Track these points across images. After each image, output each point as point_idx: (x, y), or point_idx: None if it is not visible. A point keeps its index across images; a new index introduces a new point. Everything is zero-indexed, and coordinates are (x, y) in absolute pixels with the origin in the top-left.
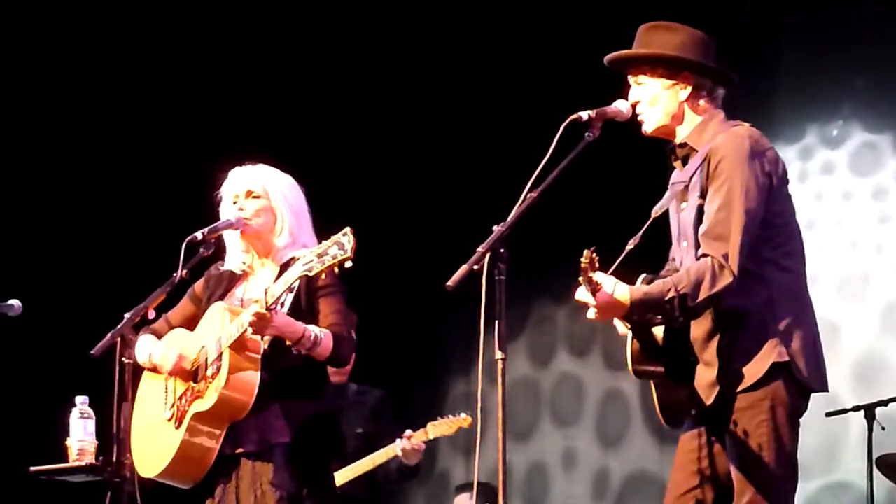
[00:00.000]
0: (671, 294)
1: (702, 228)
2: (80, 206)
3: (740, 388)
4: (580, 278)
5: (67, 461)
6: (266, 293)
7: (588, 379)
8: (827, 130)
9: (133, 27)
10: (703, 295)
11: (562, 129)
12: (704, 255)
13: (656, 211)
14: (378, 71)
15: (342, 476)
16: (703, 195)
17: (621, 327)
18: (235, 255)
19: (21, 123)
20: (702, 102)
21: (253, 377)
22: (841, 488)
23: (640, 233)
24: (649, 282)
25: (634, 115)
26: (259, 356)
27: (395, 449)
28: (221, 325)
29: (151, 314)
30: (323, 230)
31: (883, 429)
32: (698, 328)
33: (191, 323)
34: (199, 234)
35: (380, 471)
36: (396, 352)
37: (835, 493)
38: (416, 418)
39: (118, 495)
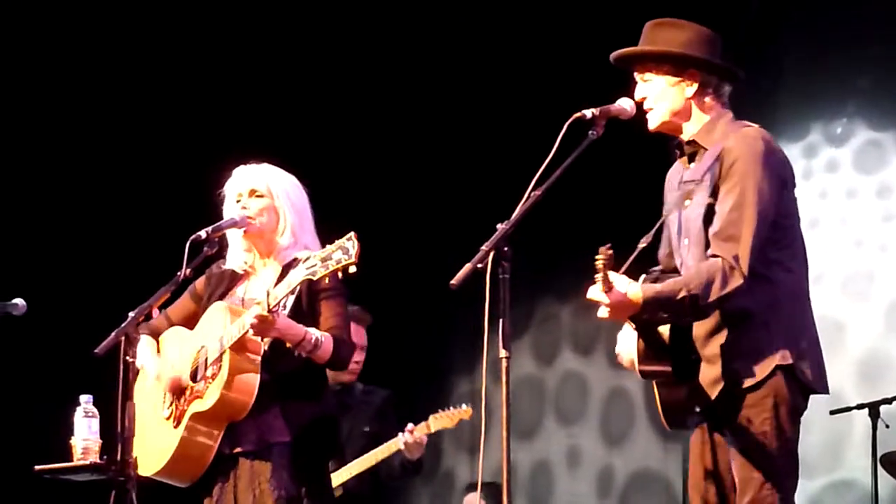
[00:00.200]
0: (682, 294)
1: (713, 228)
2: (84, 205)
3: (744, 386)
4: (596, 276)
5: (72, 460)
6: (268, 295)
7: (592, 377)
8: (831, 128)
9: (139, 28)
10: (713, 296)
11: (565, 127)
12: (714, 256)
13: (669, 211)
14: (381, 68)
15: (346, 472)
16: (713, 195)
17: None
18: (237, 255)
19: (24, 123)
20: (708, 100)
21: (253, 378)
22: (845, 486)
23: (652, 232)
24: (654, 280)
25: (638, 113)
26: (259, 357)
27: (397, 443)
28: (222, 325)
29: (156, 313)
30: (326, 230)
31: (887, 427)
32: (701, 326)
33: (190, 320)
34: (202, 233)
35: (383, 467)
36: (401, 350)
37: (839, 490)
38: (420, 417)
39: (122, 494)
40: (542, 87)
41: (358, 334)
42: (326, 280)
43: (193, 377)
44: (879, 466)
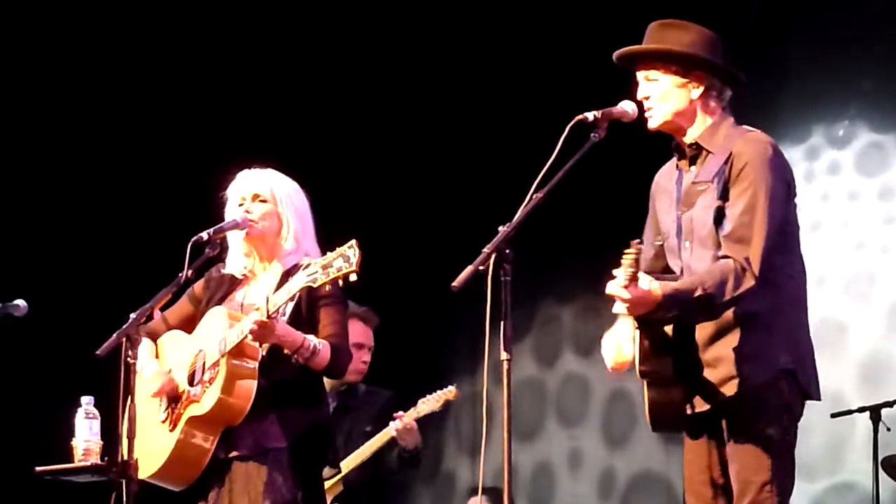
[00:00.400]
0: (699, 292)
1: (724, 230)
2: (86, 206)
3: (747, 389)
4: (625, 270)
5: (73, 461)
6: (268, 302)
7: (594, 379)
8: (833, 131)
9: (143, 33)
10: (727, 296)
11: (567, 129)
12: (725, 257)
13: (662, 213)
14: (382, 69)
15: (344, 466)
16: (721, 197)
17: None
18: (237, 259)
19: (26, 124)
20: (712, 103)
21: (250, 384)
22: (846, 489)
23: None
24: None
25: (640, 116)
26: (257, 363)
27: (389, 432)
28: (221, 330)
29: (157, 314)
30: (330, 231)
31: (889, 430)
32: (704, 328)
33: (188, 323)
34: (204, 235)
35: (382, 462)
36: (402, 352)
37: (840, 493)
38: (421, 422)
39: (123, 496)
40: (544, 90)
41: (365, 335)
42: (326, 287)
43: (191, 381)
44: (880, 469)
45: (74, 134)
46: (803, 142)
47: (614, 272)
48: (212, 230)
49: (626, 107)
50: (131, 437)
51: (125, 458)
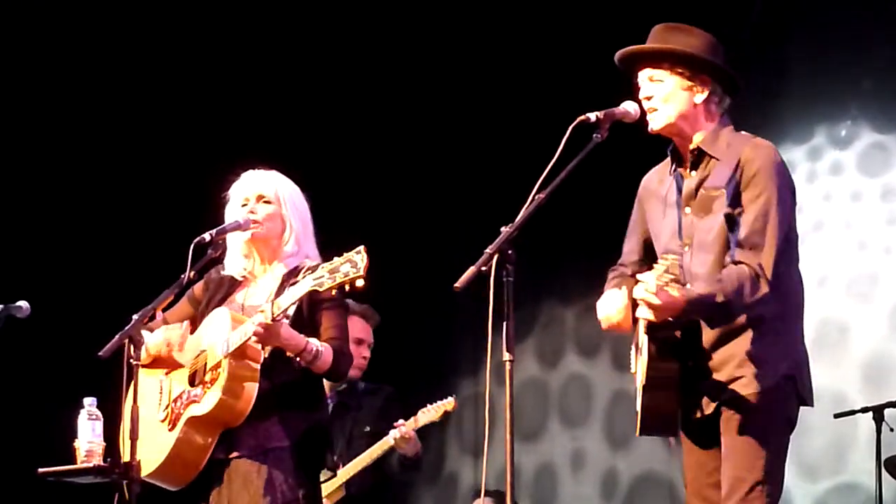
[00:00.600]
0: (720, 298)
1: (737, 236)
2: (88, 207)
3: (751, 392)
4: (659, 276)
5: (75, 463)
6: (273, 304)
7: (596, 380)
8: (835, 131)
9: (147, 36)
10: (744, 302)
11: (570, 130)
12: (738, 263)
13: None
14: (384, 70)
15: (345, 473)
16: (731, 204)
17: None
18: (236, 260)
19: (29, 127)
20: (713, 108)
21: (252, 386)
22: (849, 489)
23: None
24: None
25: (642, 117)
26: (259, 365)
27: (388, 440)
28: (224, 331)
29: (159, 315)
30: (332, 232)
31: (892, 430)
32: (711, 331)
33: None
34: (207, 236)
35: (385, 465)
36: (404, 353)
37: (843, 494)
38: (420, 428)
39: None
40: (546, 91)
41: (365, 331)
42: (332, 291)
43: (192, 381)
44: (884, 470)
45: (77, 136)
46: (806, 142)
47: (640, 277)
48: (214, 231)
49: (629, 107)
50: (134, 439)
51: (128, 459)
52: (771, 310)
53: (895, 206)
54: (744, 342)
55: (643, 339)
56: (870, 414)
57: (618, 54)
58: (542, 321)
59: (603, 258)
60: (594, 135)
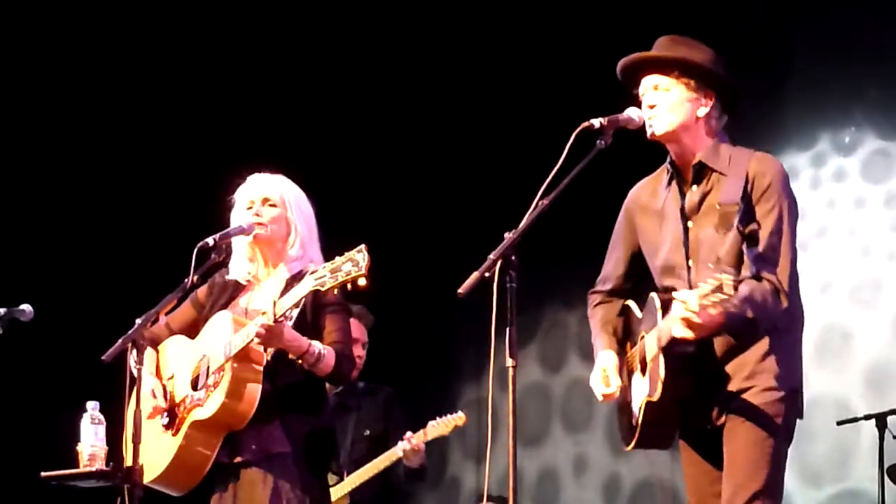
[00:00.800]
0: (749, 315)
1: (755, 251)
2: (92, 211)
3: (761, 401)
4: (706, 297)
5: (78, 466)
6: (275, 305)
7: None
8: (839, 137)
9: (152, 41)
10: (768, 317)
11: (573, 136)
12: (756, 278)
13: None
14: (388, 76)
15: (350, 483)
16: (744, 220)
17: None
18: (240, 264)
19: (32, 131)
20: (713, 124)
21: (255, 388)
22: (852, 496)
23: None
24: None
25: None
26: (262, 368)
27: (396, 452)
28: (226, 334)
29: (162, 319)
30: (336, 237)
31: (895, 437)
32: (722, 344)
33: (190, 329)
34: (210, 240)
35: (391, 474)
36: (407, 359)
37: (846, 501)
38: (426, 425)
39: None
40: (550, 97)
41: (360, 330)
42: (331, 295)
43: (194, 385)
44: (886, 477)
45: (81, 139)
46: (809, 148)
47: (681, 296)
48: (218, 235)
49: (633, 114)
50: (136, 443)
51: (130, 463)
52: (781, 323)
53: None
54: (754, 354)
55: (651, 355)
56: (873, 421)
57: (626, 60)
58: (544, 326)
59: None
60: (598, 141)
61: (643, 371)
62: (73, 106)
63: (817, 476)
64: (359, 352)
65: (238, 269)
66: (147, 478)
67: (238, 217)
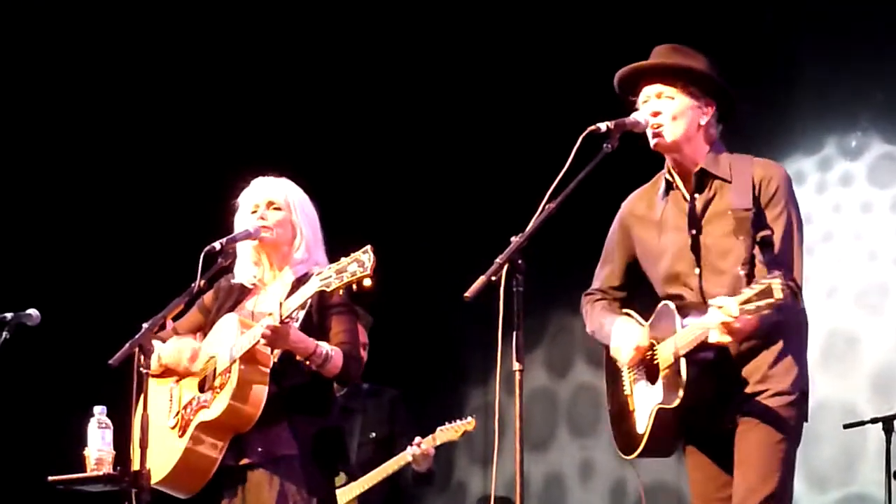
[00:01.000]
0: (775, 318)
1: (769, 255)
2: (98, 216)
3: (775, 404)
4: (749, 304)
5: (85, 471)
6: (281, 306)
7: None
8: (846, 142)
9: (157, 45)
10: (791, 318)
11: (580, 140)
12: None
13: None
14: (393, 79)
15: (359, 486)
16: (756, 225)
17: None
18: (246, 268)
19: (40, 136)
20: (712, 132)
21: (261, 390)
22: (858, 500)
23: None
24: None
25: None
26: (268, 369)
27: (405, 456)
28: (233, 336)
29: (169, 324)
30: (341, 241)
31: None
32: (738, 348)
33: (197, 333)
34: (217, 244)
35: (399, 478)
36: (415, 362)
37: None
38: (434, 429)
39: None
40: (557, 100)
41: (360, 332)
42: (337, 296)
43: (201, 387)
44: (893, 481)
45: (87, 145)
46: (816, 153)
47: (719, 302)
48: (224, 240)
49: (639, 117)
50: (143, 447)
51: (138, 467)
52: (794, 325)
53: None
54: (767, 357)
55: (667, 362)
56: (879, 425)
57: (631, 67)
58: (551, 331)
59: None
60: (604, 145)
61: (652, 379)
62: (79, 111)
63: (823, 480)
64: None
65: (244, 272)
66: (153, 479)
67: (243, 221)
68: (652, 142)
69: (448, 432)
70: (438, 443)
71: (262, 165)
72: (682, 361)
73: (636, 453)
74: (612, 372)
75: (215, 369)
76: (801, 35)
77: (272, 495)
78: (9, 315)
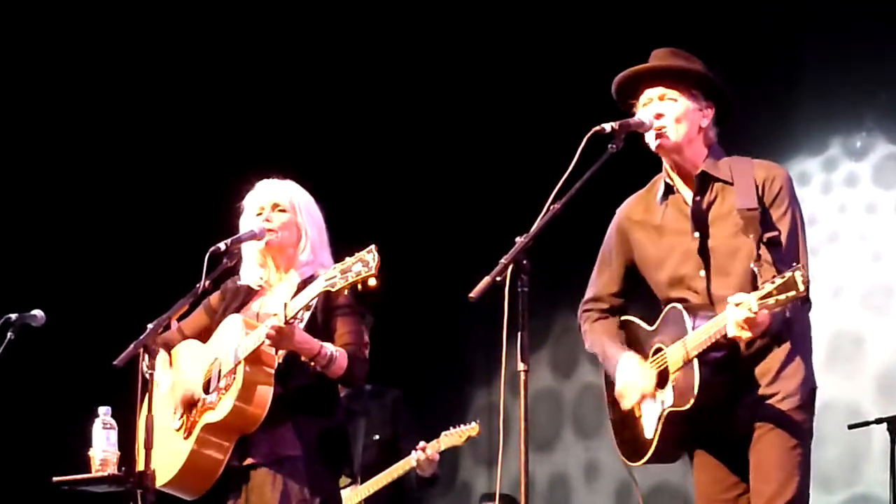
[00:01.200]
0: (787, 314)
1: (776, 255)
2: (103, 217)
3: (784, 408)
4: (779, 295)
5: (90, 471)
6: (285, 307)
7: None
8: (851, 142)
9: (161, 47)
10: (797, 315)
11: (585, 141)
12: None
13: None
14: (398, 81)
15: (365, 490)
16: (763, 224)
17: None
18: (252, 269)
19: (45, 137)
20: (711, 135)
21: (266, 391)
22: (863, 501)
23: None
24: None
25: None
26: (273, 370)
27: (410, 461)
28: (237, 337)
29: (174, 324)
30: (346, 242)
31: None
32: (748, 349)
33: (203, 334)
34: (222, 245)
35: (404, 480)
36: (419, 363)
37: None
38: (439, 430)
39: None
40: (562, 101)
41: None
42: (342, 298)
43: (206, 389)
44: None
45: (92, 146)
46: (821, 153)
47: (737, 299)
48: (229, 241)
49: (644, 117)
50: (148, 448)
51: (142, 468)
52: (802, 324)
53: None
54: (777, 358)
55: (676, 365)
56: (884, 425)
57: (634, 70)
58: (556, 331)
59: None
60: (609, 145)
61: (660, 383)
62: (83, 113)
63: (828, 481)
64: None
65: (250, 274)
66: (159, 482)
67: (248, 223)
68: (655, 143)
69: (452, 437)
70: (443, 448)
71: (267, 167)
72: (695, 362)
73: (644, 459)
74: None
75: (220, 370)
76: (804, 35)
77: (275, 496)
78: (14, 316)
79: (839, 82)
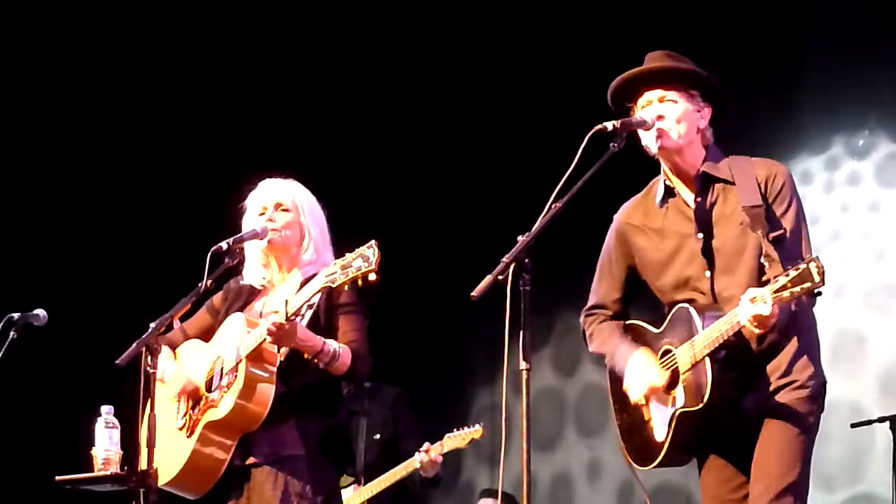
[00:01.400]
0: (794, 308)
1: (781, 252)
2: (105, 216)
3: (794, 399)
4: (793, 288)
5: (92, 470)
6: (287, 304)
7: None
8: (853, 141)
9: (163, 48)
10: (802, 310)
11: (586, 139)
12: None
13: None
14: (400, 80)
15: (368, 490)
16: (768, 221)
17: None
18: (255, 269)
19: (47, 138)
20: (708, 135)
21: (268, 389)
22: (866, 500)
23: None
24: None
25: None
26: (275, 368)
27: (413, 463)
28: (239, 335)
29: (176, 324)
30: (348, 240)
31: None
32: (758, 344)
33: (206, 334)
34: (224, 244)
35: (407, 480)
36: (421, 362)
37: None
38: (441, 429)
39: None
40: (564, 100)
41: None
42: (345, 295)
43: (209, 387)
44: None
45: (95, 146)
46: (823, 152)
47: (747, 296)
48: (231, 240)
49: (646, 116)
50: (151, 447)
51: (145, 467)
52: (808, 319)
53: None
54: (787, 353)
55: (686, 366)
56: (887, 424)
57: (633, 72)
58: (558, 330)
59: None
60: (611, 144)
61: (671, 385)
62: (86, 112)
63: (831, 479)
64: None
65: (252, 274)
66: (162, 480)
67: (250, 223)
68: (656, 144)
69: (455, 439)
70: (446, 450)
71: (269, 167)
72: (707, 361)
73: (655, 463)
74: (620, 387)
75: (222, 368)
76: (807, 34)
77: (276, 494)
78: (16, 315)
79: (842, 81)
